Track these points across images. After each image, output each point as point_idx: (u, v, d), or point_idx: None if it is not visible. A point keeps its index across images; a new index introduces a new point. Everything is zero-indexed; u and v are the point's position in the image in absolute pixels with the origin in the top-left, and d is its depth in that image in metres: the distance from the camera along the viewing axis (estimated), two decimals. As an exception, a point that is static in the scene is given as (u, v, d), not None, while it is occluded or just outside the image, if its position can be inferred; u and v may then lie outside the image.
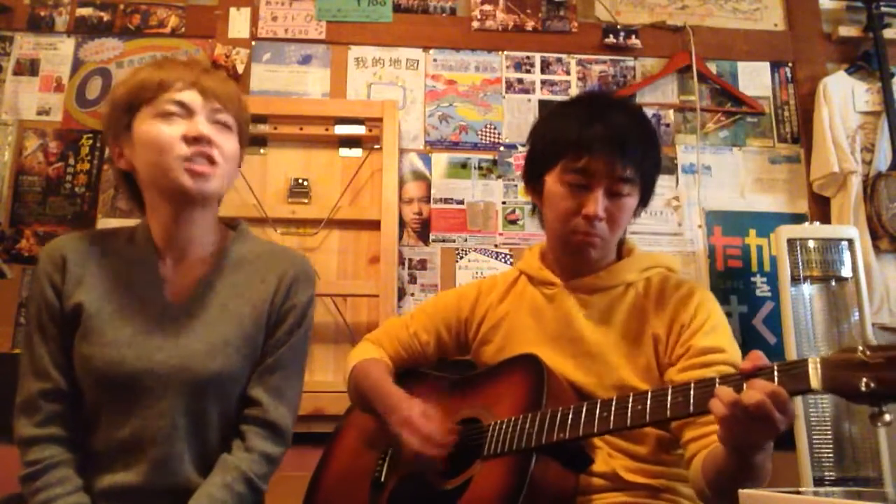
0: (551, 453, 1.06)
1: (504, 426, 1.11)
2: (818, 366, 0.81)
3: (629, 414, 0.97)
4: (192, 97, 1.13)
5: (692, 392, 0.92)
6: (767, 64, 2.49)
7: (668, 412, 0.94)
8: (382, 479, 1.24)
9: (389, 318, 1.62)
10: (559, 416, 1.04)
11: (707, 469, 1.01)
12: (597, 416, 1.01)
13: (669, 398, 0.94)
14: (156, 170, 1.12)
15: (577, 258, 1.25)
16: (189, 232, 1.18)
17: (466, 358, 1.41)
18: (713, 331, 1.15)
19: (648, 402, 0.96)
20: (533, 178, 1.28)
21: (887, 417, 0.76)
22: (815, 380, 0.81)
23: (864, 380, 0.76)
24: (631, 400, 0.98)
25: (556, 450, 1.06)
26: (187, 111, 1.12)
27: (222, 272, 1.20)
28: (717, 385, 0.89)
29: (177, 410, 1.10)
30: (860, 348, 0.78)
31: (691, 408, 0.92)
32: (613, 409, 0.99)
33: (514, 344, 1.27)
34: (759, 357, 0.88)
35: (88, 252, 1.18)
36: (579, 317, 1.23)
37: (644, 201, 1.26)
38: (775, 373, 0.85)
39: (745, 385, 0.86)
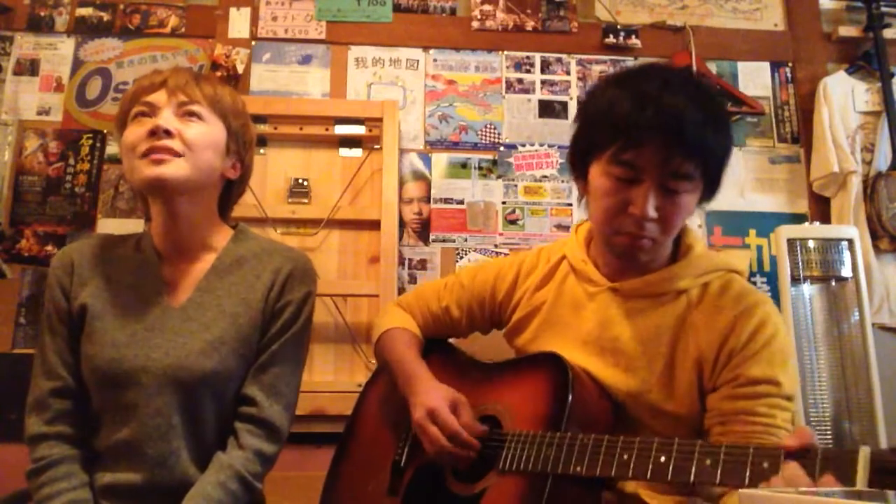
0: (569, 478, 0.99)
1: (523, 441, 1.04)
2: (867, 464, 0.70)
3: (650, 466, 0.87)
4: (157, 97, 1.17)
5: (722, 458, 0.82)
6: (767, 64, 2.48)
7: (693, 476, 0.83)
8: (403, 463, 1.21)
9: (424, 283, 1.57)
10: (577, 446, 0.97)
11: None
12: (616, 458, 0.92)
13: (696, 459, 0.84)
14: (128, 170, 1.16)
15: (623, 259, 1.11)
16: (180, 227, 1.20)
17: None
18: (770, 359, 1.02)
19: (674, 456, 0.86)
20: (577, 163, 1.12)
21: None
22: (861, 480, 0.70)
23: None
24: (655, 448, 0.89)
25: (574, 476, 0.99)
26: (153, 110, 1.16)
27: (220, 272, 1.22)
28: (750, 457, 0.79)
29: (173, 408, 1.12)
30: None
31: (717, 478, 0.81)
32: (635, 454, 0.90)
33: (547, 336, 1.20)
34: (807, 436, 0.77)
35: (96, 256, 1.22)
36: (618, 324, 1.12)
37: (709, 194, 1.08)
38: (817, 462, 0.74)
39: (780, 466, 0.75)
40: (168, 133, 1.13)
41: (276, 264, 1.23)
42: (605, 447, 0.93)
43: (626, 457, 0.90)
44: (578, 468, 0.95)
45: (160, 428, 1.11)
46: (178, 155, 1.13)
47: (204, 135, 1.18)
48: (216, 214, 1.26)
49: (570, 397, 1.03)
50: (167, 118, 1.14)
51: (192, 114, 1.17)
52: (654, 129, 0.97)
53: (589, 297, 1.17)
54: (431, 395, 1.14)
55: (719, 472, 0.81)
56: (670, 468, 0.85)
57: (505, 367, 1.21)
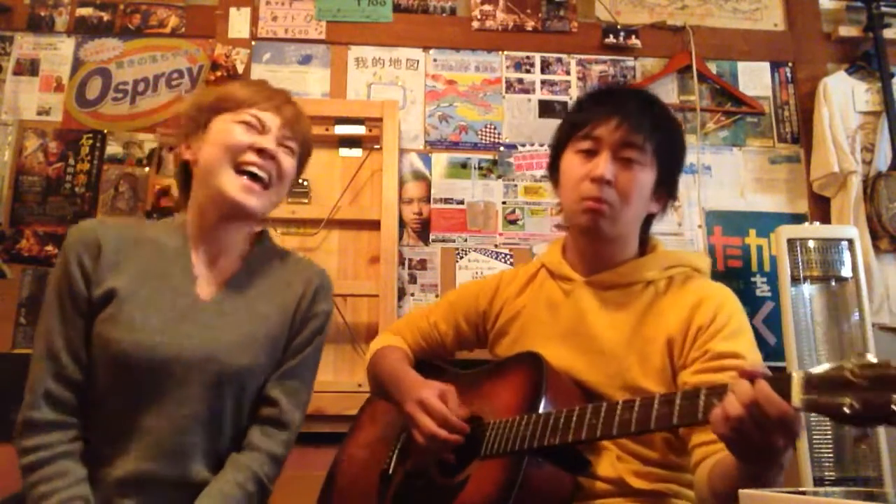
0: (545, 455, 1.06)
1: (501, 427, 1.11)
2: (802, 382, 0.76)
3: (615, 422, 0.96)
4: (271, 118, 1.21)
5: (678, 403, 0.90)
6: (767, 64, 2.48)
7: (653, 423, 0.92)
8: (391, 471, 1.24)
9: (413, 309, 1.63)
10: (551, 420, 1.04)
11: (714, 479, 0.97)
12: (585, 422, 1.00)
13: (655, 409, 0.92)
14: (214, 166, 1.18)
15: (589, 233, 1.21)
16: (225, 240, 1.24)
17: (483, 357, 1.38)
18: (733, 335, 1.11)
19: (635, 411, 0.94)
20: (553, 165, 1.30)
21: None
22: (797, 397, 0.76)
23: (849, 401, 0.70)
24: (619, 408, 0.97)
25: (551, 452, 1.05)
26: (263, 127, 1.20)
27: (250, 275, 1.25)
28: (702, 396, 0.87)
29: (197, 400, 1.12)
30: (849, 366, 0.71)
31: (674, 419, 0.90)
32: (602, 416, 0.98)
33: (527, 337, 1.26)
34: (750, 370, 0.84)
35: (124, 239, 1.19)
36: (594, 313, 1.21)
37: (666, 185, 1.24)
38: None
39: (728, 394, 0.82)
40: (273, 158, 1.19)
41: (307, 275, 1.28)
42: (576, 416, 1.02)
43: (594, 421, 0.99)
44: (552, 439, 1.02)
45: (182, 419, 1.11)
46: (267, 186, 1.19)
47: (291, 171, 1.25)
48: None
49: (544, 380, 1.11)
50: (272, 143, 1.20)
51: (287, 147, 1.23)
52: (607, 109, 1.18)
53: (565, 295, 1.26)
54: (421, 388, 1.21)
55: (675, 414, 0.90)
56: (633, 421, 0.94)
57: (486, 371, 1.29)
